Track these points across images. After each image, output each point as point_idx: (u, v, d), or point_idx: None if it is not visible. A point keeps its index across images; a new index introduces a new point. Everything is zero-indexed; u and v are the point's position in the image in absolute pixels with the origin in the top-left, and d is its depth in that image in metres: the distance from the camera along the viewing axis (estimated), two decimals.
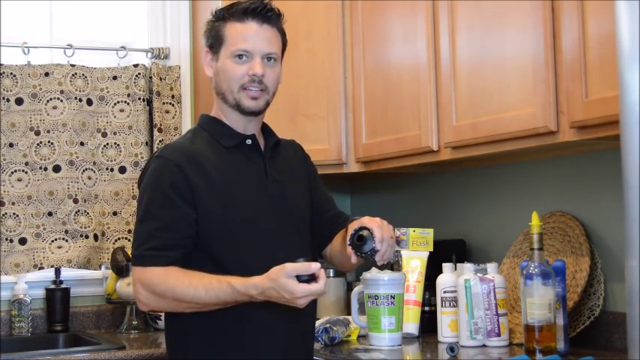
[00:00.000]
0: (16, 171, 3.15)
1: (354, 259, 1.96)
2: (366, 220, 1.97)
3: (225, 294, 1.90)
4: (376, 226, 1.94)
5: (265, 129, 2.17)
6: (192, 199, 1.97)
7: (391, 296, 2.45)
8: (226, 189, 2.01)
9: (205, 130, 2.11)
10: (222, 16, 2.08)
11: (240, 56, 2.04)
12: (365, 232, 1.94)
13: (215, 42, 2.08)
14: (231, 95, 2.06)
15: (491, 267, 2.43)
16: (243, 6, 2.06)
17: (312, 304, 2.11)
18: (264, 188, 2.06)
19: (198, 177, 1.99)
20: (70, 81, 3.22)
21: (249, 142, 2.09)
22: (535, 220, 2.19)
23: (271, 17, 2.07)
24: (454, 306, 2.48)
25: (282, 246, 2.03)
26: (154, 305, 1.98)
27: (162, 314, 2.43)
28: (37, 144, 3.17)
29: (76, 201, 3.19)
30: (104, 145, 3.28)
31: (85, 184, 3.22)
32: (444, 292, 2.52)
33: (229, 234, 1.98)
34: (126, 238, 3.27)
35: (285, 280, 1.81)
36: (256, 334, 2.00)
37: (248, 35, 2.04)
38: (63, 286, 3.17)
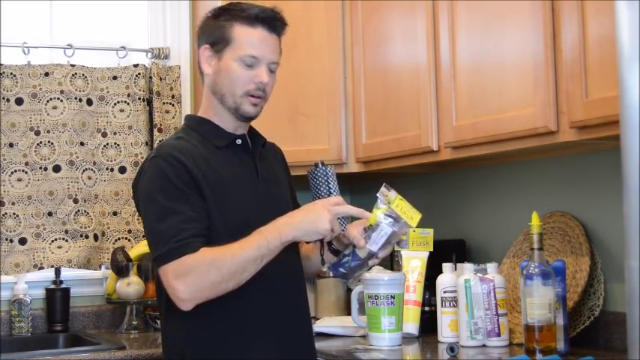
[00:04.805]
0: (16, 171, 3.15)
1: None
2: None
3: (258, 239, 1.90)
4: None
5: (251, 129, 2.17)
6: (198, 192, 1.96)
7: (391, 296, 2.45)
8: (221, 188, 2.00)
9: (195, 130, 2.09)
10: (231, 15, 2.06)
11: (247, 61, 2.03)
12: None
13: (220, 41, 2.05)
14: (232, 98, 2.05)
15: (491, 267, 2.43)
16: (255, 11, 2.05)
17: (308, 304, 2.14)
18: (255, 187, 2.07)
19: (199, 174, 1.98)
20: (70, 81, 3.22)
21: (239, 141, 2.09)
22: (535, 220, 2.19)
23: (279, 27, 2.08)
24: (454, 306, 2.48)
25: None
26: (198, 293, 1.89)
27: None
28: (37, 144, 3.17)
29: (76, 201, 3.19)
30: (104, 145, 3.28)
31: (85, 184, 3.22)
32: (444, 292, 2.52)
33: (226, 233, 1.96)
34: (126, 238, 3.27)
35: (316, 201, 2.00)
36: (255, 334, 2.00)
37: (258, 42, 2.03)
38: (63, 286, 3.17)
